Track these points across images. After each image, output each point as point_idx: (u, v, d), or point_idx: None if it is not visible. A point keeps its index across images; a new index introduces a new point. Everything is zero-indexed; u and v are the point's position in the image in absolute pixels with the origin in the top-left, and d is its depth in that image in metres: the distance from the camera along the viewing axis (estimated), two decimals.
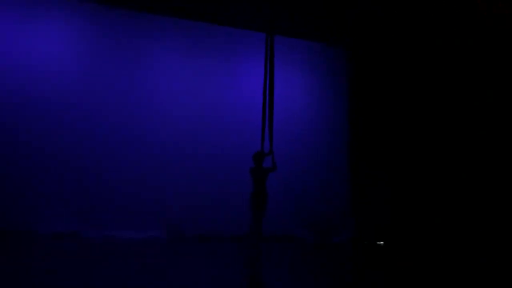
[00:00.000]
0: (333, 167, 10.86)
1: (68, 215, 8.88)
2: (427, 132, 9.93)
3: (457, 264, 6.26)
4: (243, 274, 5.62)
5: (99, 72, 9.54)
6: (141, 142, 9.53)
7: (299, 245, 9.56)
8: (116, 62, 9.70)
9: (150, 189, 9.37)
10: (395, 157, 10.47)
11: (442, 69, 9.80)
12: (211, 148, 9.94)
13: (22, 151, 8.78)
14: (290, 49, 10.76)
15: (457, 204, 9.09)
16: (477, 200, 8.78)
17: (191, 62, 10.24)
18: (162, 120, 9.76)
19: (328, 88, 11.26)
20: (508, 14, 8.92)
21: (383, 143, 10.70)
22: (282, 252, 8.34)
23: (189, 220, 9.43)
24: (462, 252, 7.91)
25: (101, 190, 9.07)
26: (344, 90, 11.38)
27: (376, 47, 11.08)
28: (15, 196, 8.61)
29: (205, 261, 6.68)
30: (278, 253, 8.15)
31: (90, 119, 9.31)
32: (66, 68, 9.36)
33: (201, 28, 10.35)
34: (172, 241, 9.05)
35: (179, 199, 9.47)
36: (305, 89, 11.10)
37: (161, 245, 8.56)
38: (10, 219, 8.43)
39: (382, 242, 10.18)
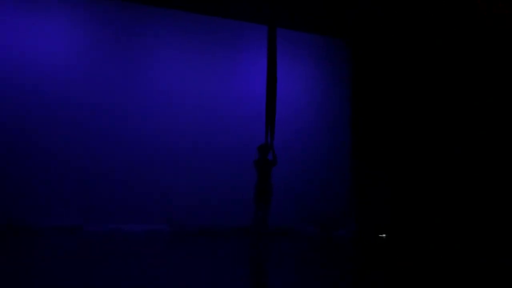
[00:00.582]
0: (335, 163, 10.93)
1: (71, 209, 8.93)
2: (428, 130, 10.00)
3: (456, 263, 6.38)
4: (246, 267, 5.70)
5: (100, 68, 9.55)
6: (144, 137, 9.57)
7: (302, 239, 9.65)
8: (118, 57, 9.71)
9: (152, 183, 9.43)
10: (396, 154, 10.53)
11: (442, 69, 9.86)
12: (213, 142, 10.00)
13: (25, 147, 8.81)
14: (293, 43, 10.78)
15: (457, 203, 9.18)
16: (477, 199, 8.87)
17: (193, 56, 10.25)
18: (164, 115, 9.79)
19: (331, 83, 11.30)
20: (508, 14, 8.98)
21: (384, 140, 10.77)
22: (285, 245, 8.43)
23: (191, 213, 9.50)
24: (462, 251, 8.03)
25: (104, 185, 9.12)
26: (347, 86, 11.43)
27: (378, 44, 11.12)
28: (19, 191, 8.65)
29: (207, 254, 6.74)
30: (281, 246, 8.24)
31: (92, 114, 9.33)
32: (69, 62, 9.36)
33: (203, 21, 10.35)
34: (174, 235, 9.11)
35: (181, 193, 9.53)
36: (308, 84, 11.13)
37: (163, 238, 8.62)
38: (14, 214, 8.47)
39: (384, 235, 10.27)
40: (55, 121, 9.10)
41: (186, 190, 9.60)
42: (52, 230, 8.56)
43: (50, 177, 8.88)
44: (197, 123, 10.02)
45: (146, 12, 10.00)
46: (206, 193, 9.67)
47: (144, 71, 9.89)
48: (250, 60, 10.63)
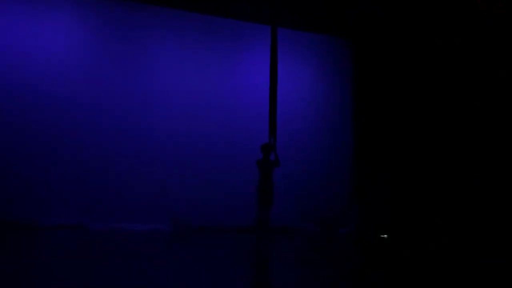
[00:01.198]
0: (336, 162, 10.98)
1: (72, 208, 8.97)
2: (428, 130, 10.02)
3: (456, 263, 6.42)
4: (247, 266, 5.73)
5: (101, 68, 9.60)
6: (145, 136, 9.62)
7: (303, 238, 9.68)
8: (119, 57, 9.76)
9: (153, 183, 9.47)
10: (397, 154, 10.56)
11: (442, 69, 9.88)
12: (215, 142, 10.04)
13: (26, 146, 8.87)
14: (295, 43, 10.82)
15: (457, 203, 9.21)
16: (477, 199, 8.90)
17: (194, 56, 10.30)
18: (165, 114, 9.83)
19: (332, 83, 11.35)
20: (508, 14, 9.00)
21: (385, 141, 10.79)
22: (286, 244, 8.46)
23: (193, 212, 9.54)
24: (461, 251, 8.07)
25: (107, 184, 9.16)
26: (348, 86, 11.47)
27: (379, 44, 11.14)
28: (20, 190, 8.71)
29: (209, 253, 6.77)
30: (282, 245, 8.27)
31: (94, 114, 9.38)
32: (69, 62, 9.42)
33: (204, 21, 10.38)
34: (176, 234, 9.14)
35: (183, 191, 9.57)
36: (309, 84, 11.18)
37: (165, 237, 8.64)
38: (18, 212, 8.52)
39: (385, 235, 10.31)
40: (56, 120, 9.14)
41: (187, 190, 9.64)
42: (53, 228, 8.60)
43: (51, 176, 8.92)
44: (198, 122, 10.05)
45: (147, 11, 10.03)
46: (208, 192, 9.70)
47: (145, 70, 9.92)
48: (251, 60, 10.67)
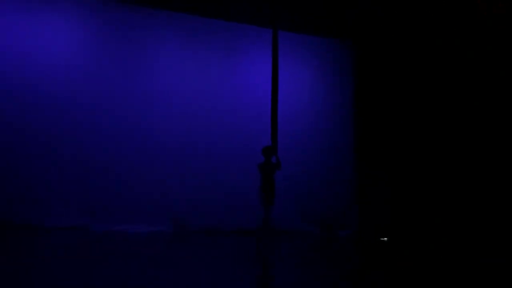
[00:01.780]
0: (337, 163, 10.96)
1: (73, 210, 8.97)
2: (429, 130, 10.02)
3: (456, 263, 6.42)
4: (248, 268, 5.73)
5: (101, 69, 9.59)
6: (147, 138, 9.61)
7: (303, 239, 9.68)
8: (119, 58, 9.75)
9: (155, 183, 9.46)
10: (398, 155, 10.56)
11: (443, 69, 9.88)
12: (216, 143, 10.03)
13: (27, 147, 8.84)
14: (295, 45, 10.82)
15: (457, 204, 9.20)
16: (477, 199, 8.90)
17: (194, 57, 10.30)
18: (166, 116, 9.83)
19: (332, 84, 11.34)
20: (508, 14, 9.00)
21: (386, 141, 10.79)
22: (286, 245, 8.47)
23: (194, 214, 9.53)
24: (462, 251, 8.06)
25: (108, 185, 9.15)
26: (349, 87, 11.46)
27: (379, 45, 11.14)
28: (20, 191, 8.68)
29: (210, 255, 6.77)
30: (283, 246, 8.28)
31: (96, 114, 9.37)
32: (69, 63, 9.40)
33: (204, 23, 10.39)
34: (178, 235, 9.14)
35: (184, 193, 9.56)
36: (309, 85, 11.17)
37: (166, 239, 8.65)
38: (19, 214, 8.50)
39: (385, 238, 10.32)
40: (56, 120, 9.14)
41: (188, 191, 9.63)
42: (54, 230, 8.59)
43: (51, 177, 8.91)
44: (199, 123, 10.05)
45: (147, 12, 10.03)
46: (208, 193, 9.69)
47: (145, 71, 9.92)
48: (251, 60, 10.68)
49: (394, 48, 10.89)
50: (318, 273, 5.20)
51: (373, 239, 10.10)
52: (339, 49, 11.54)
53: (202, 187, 9.70)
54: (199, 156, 9.91)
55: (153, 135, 9.70)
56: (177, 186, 9.59)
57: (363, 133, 11.19)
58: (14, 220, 8.46)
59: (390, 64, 10.95)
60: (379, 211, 10.53)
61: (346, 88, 11.45)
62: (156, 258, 6.06)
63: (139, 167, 9.49)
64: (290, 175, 9.73)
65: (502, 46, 9.03)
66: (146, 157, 9.56)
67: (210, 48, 10.41)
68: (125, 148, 9.47)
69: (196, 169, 9.81)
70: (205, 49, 10.37)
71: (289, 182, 9.72)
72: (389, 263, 6.29)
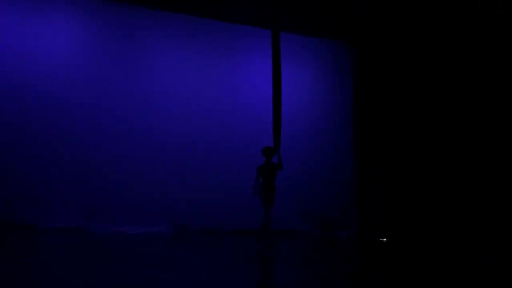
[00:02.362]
0: (337, 164, 10.92)
1: (72, 210, 8.95)
2: (429, 130, 10.02)
3: (457, 263, 6.41)
4: (248, 268, 5.73)
5: (101, 69, 9.55)
6: (147, 139, 9.58)
7: (303, 240, 9.68)
8: (119, 58, 9.72)
9: (154, 185, 9.43)
10: (398, 156, 10.55)
11: (443, 69, 9.88)
12: (216, 143, 10.01)
13: (29, 147, 8.81)
14: (295, 46, 10.79)
15: (458, 204, 9.20)
16: (478, 199, 8.89)
17: (194, 58, 10.27)
18: (166, 117, 9.81)
19: (332, 85, 11.31)
20: (508, 14, 9.00)
21: (386, 142, 10.78)
22: (286, 246, 8.47)
23: (194, 214, 9.51)
24: (462, 251, 8.06)
25: (107, 186, 9.11)
26: (349, 88, 11.45)
27: (379, 45, 11.14)
28: (20, 192, 8.63)
29: (209, 255, 6.77)
30: (283, 247, 8.28)
31: (96, 115, 9.35)
32: (70, 63, 9.37)
33: (204, 24, 10.38)
34: (177, 236, 9.13)
35: (183, 194, 9.53)
36: (309, 86, 11.15)
37: (165, 240, 8.64)
38: (18, 214, 8.47)
39: (384, 239, 10.31)
40: (56, 121, 9.10)
41: (188, 191, 9.60)
42: (53, 231, 8.58)
43: (51, 178, 8.88)
44: (199, 124, 10.03)
45: (147, 13, 10.02)
46: (208, 194, 9.66)
47: (145, 72, 9.91)
48: (252, 61, 10.66)
49: (393, 49, 10.89)
50: (318, 273, 5.20)
51: (373, 240, 10.10)
52: (339, 50, 11.52)
53: (202, 187, 9.68)
54: (199, 157, 9.89)
55: (153, 136, 9.68)
56: (177, 187, 9.56)
57: (363, 133, 11.18)
58: (13, 220, 8.42)
59: (389, 65, 10.94)
60: (379, 211, 10.52)
61: (346, 89, 11.43)
62: (156, 258, 6.06)
63: (139, 168, 9.46)
64: (290, 175, 9.66)
65: (502, 46, 9.02)
66: (146, 157, 9.54)
67: (210, 49, 10.39)
68: (125, 148, 9.45)
69: (196, 170, 9.78)
70: (204, 49, 10.35)
71: (289, 182, 9.67)
72: (389, 263, 6.29)
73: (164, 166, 9.61)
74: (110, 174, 9.21)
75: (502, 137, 8.79)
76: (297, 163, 10.11)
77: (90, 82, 9.44)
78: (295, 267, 5.83)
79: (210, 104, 10.16)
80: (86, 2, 9.62)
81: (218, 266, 5.55)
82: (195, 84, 10.15)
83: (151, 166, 9.52)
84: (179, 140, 9.81)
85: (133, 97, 9.69)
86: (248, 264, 6.00)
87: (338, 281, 4.75)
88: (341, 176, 10.95)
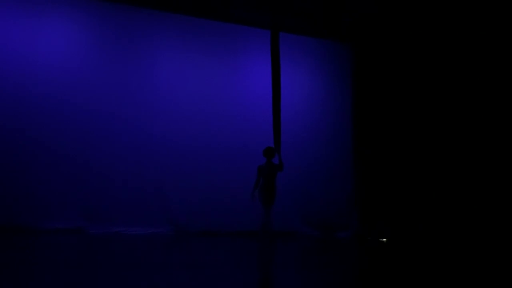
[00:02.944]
0: (337, 165, 10.95)
1: (72, 212, 8.95)
2: (429, 131, 10.02)
3: (457, 264, 6.40)
4: (248, 270, 5.72)
5: (102, 70, 9.60)
6: (146, 139, 9.60)
7: (303, 241, 9.67)
8: (120, 59, 9.76)
9: (155, 186, 9.45)
10: (398, 156, 10.55)
11: (442, 69, 9.88)
12: (216, 145, 10.03)
13: (28, 148, 8.84)
14: (294, 46, 10.81)
15: (458, 204, 9.19)
16: (478, 199, 8.89)
17: (194, 59, 10.30)
18: (166, 118, 9.83)
19: (332, 86, 11.34)
20: (508, 14, 9.00)
21: (386, 142, 10.79)
22: (286, 247, 8.45)
23: (194, 215, 9.51)
24: (462, 251, 8.05)
25: (107, 187, 9.14)
26: (348, 89, 11.47)
27: (379, 46, 11.15)
28: (20, 193, 8.66)
29: (210, 256, 6.75)
30: (283, 248, 8.26)
31: (94, 117, 9.36)
32: (70, 65, 9.41)
33: (205, 25, 10.39)
34: (177, 237, 9.12)
35: (184, 195, 9.55)
36: (308, 87, 11.17)
37: (166, 240, 8.63)
38: (17, 215, 8.49)
39: (384, 239, 10.31)
40: (57, 122, 9.13)
41: (188, 192, 9.61)
42: (52, 232, 8.57)
43: (51, 179, 8.90)
44: (199, 125, 10.05)
45: (147, 15, 10.03)
46: (208, 195, 9.67)
47: (144, 73, 9.92)
48: (252, 63, 10.69)
49: (393, 49, 10.89)
50: (318, 274, 5.18)
51: (372, 241, 10.08)
52: (338, 50, 11.54)
53: (202, 188, 9.69)
54: (198, 157, 9.89)
55: (153, 136, 9.69)
56: (177, 187, 9.57)
57: (362, 134, 11.18)
58: (12, 221, 8.44)
59: (389, 65, 10.95)
60: (378, 212, 10.51)
61: (345, 89, 11.44)
62: (156, 260, 6.04)
63: (138, 168, 9.47)
64: (289, 177, 9.70)
65: (502, 46, 9.02)
66: (145, 158, 9.55)
67: (209, 49, 10.41)
68: (124, 150, 9.45)
69: (195, 170, 9.79)
70: (203, 50, 10.37)
71: (288, 184, 9.70)
72: (389, 264, 6.27)
73: (163, 167, 9.61)
74: (110, 175, 9.22)
75: (503, 137, 8.79)
76: (297, 164, 10.13)
77: (90, 83, 9.45)
78: (295, 268, 5.81)
79: (209, 105, 10.17)
80: (86, 3, 9.63)
81: (218, 267, 5.53)
82: (195, 85, 10.17)
83: (150, 167, 9.52)
84: (178, 141, 9.82)
85: (133, 97, 9.71)
86: (248, 266, 5.98)
87: (338, 282, 4.73)
88: (340, 177, 10.96)
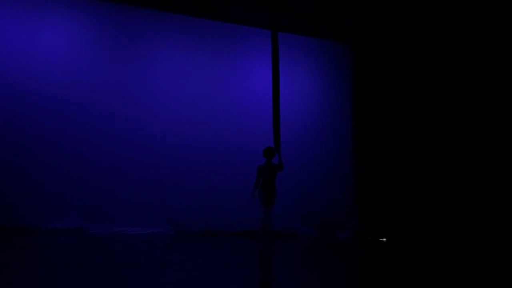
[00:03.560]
0: (337, 165, 10.95)
1: (72, 212, 8.95)
2: (429, 131, 10.01)
3: (457, 264, 6.39)
4: (248, 270, 5.71)
5: (102, 71, 9.60)
6: (147, 140, 9.61)
7: (303, 241, 9.66)
8: (120, 60, 9.76)
9: (155, 186, 9.45)
10: (398, 156, 10.55)
11: (443, 69, 9.87)
12: (215, 145, 10.03)
13: (28, 148, 8.84)
14: (294, 46, 10.81)
15: (459, 204, 9.19)
16: (479, 199, 8.88)
17: (195, 59, 10.30)
18: (166, 118, 9.83)
19: (331, 86, 11.34)
20: (508, 14, 8.99)
21: (386, 143, 10.78)
22: (286, 247, 8.45)
23: (194, 215, 9.51)
24: (462, 251, 8.04)
25: (107, 187, 9.14)
26: (348, 89, 11.47)
27: (379, 46, 11.15)
28: (20, 193, 8.66)
29: (210, 256, 6.75)
30: (283, 248, 8.26)
31: (94, 117, 9.37)
32: (70, 65, 9.41)
33: (205, 25, 10.39)
34: (177, 237, 9.12)
35: (184, 195, 9.55)
36: (309, 87, 11.17)
37: (166, 240, 8.62)
38: (14, 216, 8.48)
39: (384, 239, 10.31)
40: (56, 122, 9.14)
41: (188, 193, 9.61)
42: (53, 232, 8.57)
43: (51, 179, 8.89)
44: (199, 125, 10.05)
45: (147, 15, 10.03)
46: (208, 195, 9.67)
47: (144, 73, 9.92)
48: (252, 63, 10.69)
49: (392, 49, 10.89)
50: (318, 274, 5.18)
51: (372, 241, 10.08)
52: (338, 50, 11.54)
53: (202, 188, 9.69)
54: (198, 157, 9.89)
55: (153, 137, 9.69)
56: (177, 187, 9.57)
57: (362, 134, 11.18)
58: (12, 221, 8.44)
59: (389, 65, 10.95)
60: (378, 212, 10.51)
61: (345, 89, 11.45)
62: (156, 260, 6.03)
63: (138, 169, 9.47)
64: (289, 177, 9.70)
65: (502, 46, 9.01)
66: (145, 158, 9.55)
67: (209, 49, 10.41)
68: (124, 150, 9.46)
69: (195, 170, 9.79)
70: (203, 50, 10.38)
71: (288, 184, 9.70)
72: (389, 264, 6.27)
73: (163, 167, 9.61)
74: (110, 175, 9.23)
75: (503, 137, 8.78)
76: (297, 164, 10.14)
77: (90, 83, 9.46)
78: (295, 268, 5.81)
79: (209, 105, 10.18)
80: (86, 2, 9.63)
81: (218, 267, 5.53)
82: (195, 85, 10.17)
83: (150, 167, 9.53)
84: (178, 141, 9.82)
85: (133, 97, 9.72)
86: (248, 266, 5.98)
87: (338, 282, 4.73)
88: (340, 177, 10.96)
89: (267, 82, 8.87)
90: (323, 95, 11.23)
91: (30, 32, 9.20)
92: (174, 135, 9.83)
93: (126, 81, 9.72)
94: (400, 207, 10.26)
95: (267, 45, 9.04)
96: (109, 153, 9.34)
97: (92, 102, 9.38)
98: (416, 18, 10.17)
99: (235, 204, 9.34)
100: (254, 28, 10.56)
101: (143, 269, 5.10)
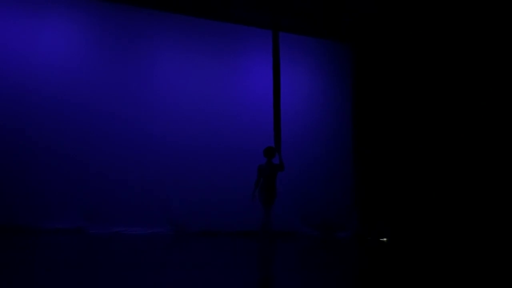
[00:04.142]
0: (337, 165, 10.95)
1: (72, 212, 8.95)
2: (429, 131, 10.02)
3: (458, 264, 6.39)
4: (248, 270, 5.71)
5: (102, 71, 9.60)
6: (147, 140, 9.61)
7: (303, 241, 9.66)
8: (120, 60, 9.76)
9: (155, 186, 9.44)
10: (398, 156, 10.55)
11: (442, 69, 9.87)
12: (216, 145, 10.03)
13: (28, 148, 8.84)
14: (294, 46, 10.81)
15: (459, 204, 9.19)
16: (479, 199, 8.88)
17: (195, 59, 10.30)
18: (166, 118, 9.83)
19: (332, 86, 11.34)
20: (508, 14, 9.00)
21: (386, 143, 10.78)
22: (286, 247, 8.44)
23: (194, 215, 9.51)
24: (462, 251, 8.04)
25: (107, 187, 9.14)
26: (348, 89, 11.47)
27: (379, 46, 11.15)
28: (20, 193, 8.66)
29: (210, 256, 6.75)
30: (283, 248, 8.26)
31: (94, 117, 9.37)
32: (70, 65, 9.41)
33: (206, 25, 10.39)
34: (177, 237, 9.12)
35: (184, 195, 9.55)
36: (309, 87, 11.17)
37: (166, 240, 8.62)
38: (17, 215, 8.49)
39: (384, 239, 10.31)
40: (56, 122, 9.14)
41: (188, 193, 9.61)
42: (53, 232, 8.57)
43: (51, 179, 8.89)
44: (199, 125, 10.05)
45: (147, 15, 10.03)
46: (208, 195, 9.67)
47: (144, 74, 9.93)
48: (252, 63, 10.69)
49: (392, 49, 10.89)
50: (318, 274, 5.18)
51: (372, 241, 10.08)
52: (338, 50, 11.54)
53: (202, 188, 9.69)
54: (198, 157, 9.89)
55: (153, 137, 9.69)
56: (177, 187, 9.57)
57: (362, 134, 11.18)
58: (12, 221, 8.44)
59: (389, 65, 10.95)
60: (378, 212, 10.51)
61: (345, 89, 11.45)
62: (156, 260, 6.03)
63: (138, 169, 9.48)
64: (289, 177, 9.69)
65: (502, 46, 9.01)
66: (145, 158, 9.56)
67: (209, 49, 10.42)
68: (124, 150, 9.46)
69: (195, 170, 9.79)
70: (203, 50, 10.38)
71: (288, 184, 9.70)
72: (389, 264, 6.27)
73: (163, 167, 9.61)
74: (110, 175, 9.23)
75: (503, 137, 8.78)
76: (297, 164, 10.13)
77: (90, 83, 9.46)
78: (295, 268, 5.80)
79: (209, 105, 10.18)
80: (86, 2, 9.63)
81: (218, 267, 5.52)
82: (195, 85, 10.17)
83: (150, 167, 9.53)
84: (178, 140, 9.82)
85: (133, 97, 9.72)
86: (248, 266, 5.97)
87: (338, 282, 4.73)
88: (340, 177, 10.96)
89: (267, 82, 8.87)
90: (323, 95, 11.23)
91: (30, 32, 9.19)
92: (174, 135, 9.83)
93: (126, 81, 9.72)
94: (400, 207, 10.26)
95: (267, 45, 9.04)
96: (109, 153, 9.34)
97: (92, 102, 9.37)
98: (416, 18, 10.16)
99: (235, 204, 9.34)
100: (254, 28, 10.55)
101: (143, 269, 5.10)
